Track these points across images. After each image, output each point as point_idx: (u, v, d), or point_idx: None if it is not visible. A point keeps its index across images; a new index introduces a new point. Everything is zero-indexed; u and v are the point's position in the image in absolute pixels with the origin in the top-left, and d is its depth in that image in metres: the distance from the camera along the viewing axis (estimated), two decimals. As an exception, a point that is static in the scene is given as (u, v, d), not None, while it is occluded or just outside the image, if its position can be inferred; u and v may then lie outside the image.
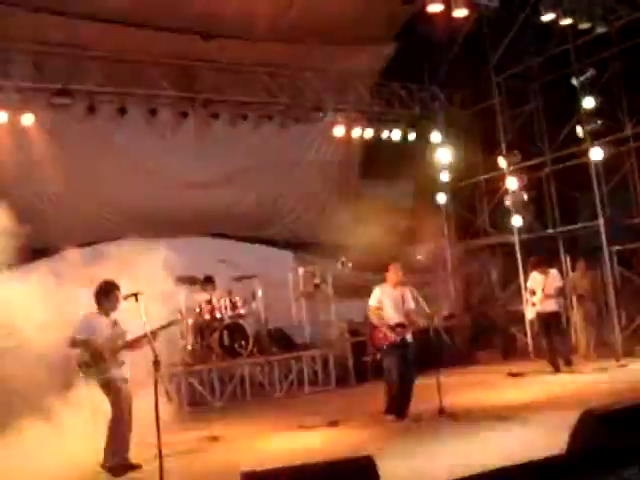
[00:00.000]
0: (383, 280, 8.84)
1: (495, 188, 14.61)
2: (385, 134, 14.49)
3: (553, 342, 11.36)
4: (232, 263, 12.39)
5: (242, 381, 11.95)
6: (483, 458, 5.87)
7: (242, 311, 12.30)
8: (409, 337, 8.58)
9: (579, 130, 12.82)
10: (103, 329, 7.10)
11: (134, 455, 7.11)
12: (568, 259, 13.34)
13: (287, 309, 13.55)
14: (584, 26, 12.28)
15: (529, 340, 13.78)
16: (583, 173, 12.87)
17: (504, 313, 14.65)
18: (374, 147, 14.77)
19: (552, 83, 13.63)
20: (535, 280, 11.65)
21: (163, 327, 7.18)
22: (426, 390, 8.43)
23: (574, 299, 12.57)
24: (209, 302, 12.14)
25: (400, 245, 13.17)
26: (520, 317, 13.70)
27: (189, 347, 11.92)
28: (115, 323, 7.22)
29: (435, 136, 15.09)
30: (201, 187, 13.35)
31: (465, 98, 15.07)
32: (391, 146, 14.59)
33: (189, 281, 12.03)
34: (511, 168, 14.07)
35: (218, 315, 12.09)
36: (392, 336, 8.45)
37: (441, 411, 8.13)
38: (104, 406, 7.09)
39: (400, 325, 8.51)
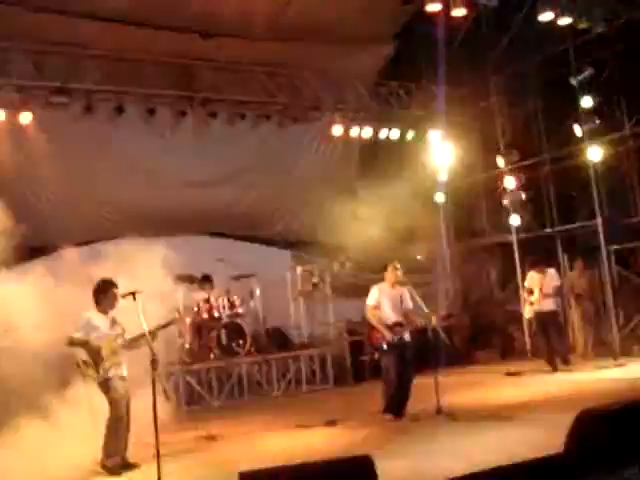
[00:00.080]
0: (381, 280, 8.84)
1: (493, 188, 14.61)
2: (384, 133, 14.48)
3: (551, 341, 11.37)
4: (230, 262, 12.38)
5: (240, 380, 11.96)
6: (481, 457, 5.87)
7: (240, 310, 12.30)
8: (407, 336, 8.59)
9: (577, 129, 12.82)
10: (102, 328, 7.10)
11: (132, 454, 7.11)
12: (566, 258, 13.35)
13: (285, 308, 13.57)
14: (583, 25, 12.28)
15: (527, 339, 13.79)
16: (581, 172, 12.89)
17: (502, 313, 14.66)
18: (372, 147, 14.77)
19: (551, 83, 13.62)
20: (533, 279, 11.66)
21: (162, 327, 7.18)
22: (424, 389, 8.44)
23: (572, 298, 12.57)
24: (207, 301, 12.14)
25: (398, 245, 13.16)
26: (518, 316, 13.71)
27: (187, 346, 11.93)
28: (114, 322, 7.23)
29: (434, 136, 15.08)
30: (199, 186, 13.34)
31: (464, 97, 15.06)
32: (390, 146, 14.59)
33: (187, 280, 12.03)
34: (509, 167, 14.08)
35: (216, 314, 12.10)
36: (390, 335, 8.45)
37: (439, 410, 8.13)
38: (102, 405, 7.08)
39: (398, 324, 8.51)
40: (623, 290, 12.81)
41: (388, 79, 14.53)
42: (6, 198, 8.27)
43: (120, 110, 11.75)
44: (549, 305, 11.44)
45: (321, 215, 13.70)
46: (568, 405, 6.78)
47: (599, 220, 12.56)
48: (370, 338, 8.80)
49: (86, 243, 11.13)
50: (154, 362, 6.15)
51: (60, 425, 7.42)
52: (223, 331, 11.97)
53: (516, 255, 14.10)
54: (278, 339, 13.17)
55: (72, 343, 7.08)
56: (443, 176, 15.19)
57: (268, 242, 14.75)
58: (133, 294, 6.75)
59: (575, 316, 12.58)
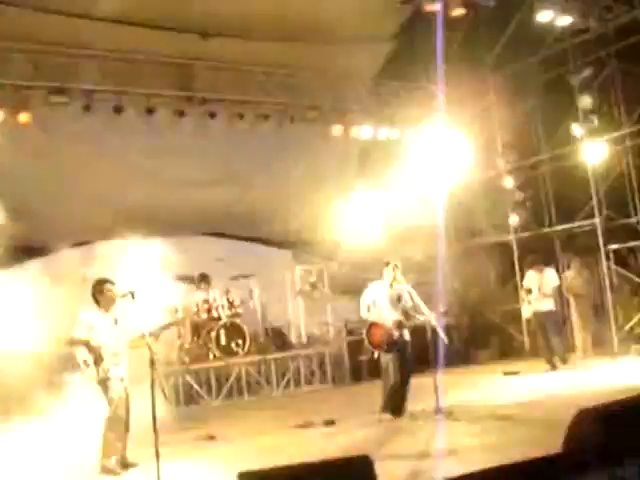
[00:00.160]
0: (380, 279, 8.84)
1: (492, 187, 14.61)
2: (383, 133, 14.47)
3: (550, 341, 11.38)
4: (229, 262, 12.40)
5: (239, 380, 11.96)
6: (479, 457, 5.88)
7: (239, 310, 12.32)
8: (406, 335, 8.59)
9: (576, 129, 12.83)
10: (103, 327, 7.09)
11: (131, 454, 7.10)
12: (565, 258, 13.36)
13: (284, 308, 13.57)
14: (581, 25, 12.29)
15: (526, 339, 13.80)
16: (580, 172, 12.89)
17: (501, 312, 14.67)
18: (372, 146, 14.76)
19: (550, 82, 13.64)
20: (531, 279, 11.67)
21: (163, 328, 7.17)
22: (423, 389, 8.45)
23: (570, 298, 12.58)
24: (206, 301, 12.15)
25: (397, 244, 13.16)
26: (517, 316, 13.71)
27: (186, 346, 11.93)
28: (115, 321, 7.21)
29: (432, 135, 15.05)
30: (198, 186, 13.33)
31: (463, 97, 15.05)
32: (389, 145, 14.58)
33: (186, 280, 12.03)
34: (508, 167, 14.07)
35: (215, 314, 12.11)
36: (388, 334, 8.46)
37: (438, 410, 8.13)
38: (101, 405, 7.08)
39: (397, 323, 8.51)
40: (621, 290, 12.83)
41: (387, 79, 14.52)
42: (4, 198, 8.28)
43: (119, 110, 11.73)
44: (548, 305, 11.45)
45: (320, 215, 13.69)
46: (566, 405, 6.79)
47: (598, 219, 12.57)
48: (369, 337, 8.80)
49: (85, 243, 11.13)
50: (153, 362, 6.14)
51: (59, 425, 7.43)
52: (222, 331, 11.97)
53: (515, 255, 14.11)
54: (277, 339, 13.18)
55: (73, 343, 7.08)
56: (442, 176, 15.17)
57: (267, 242, 14.76)
58: (132, 294, 6.75)
59: (574, 316, 12.59)
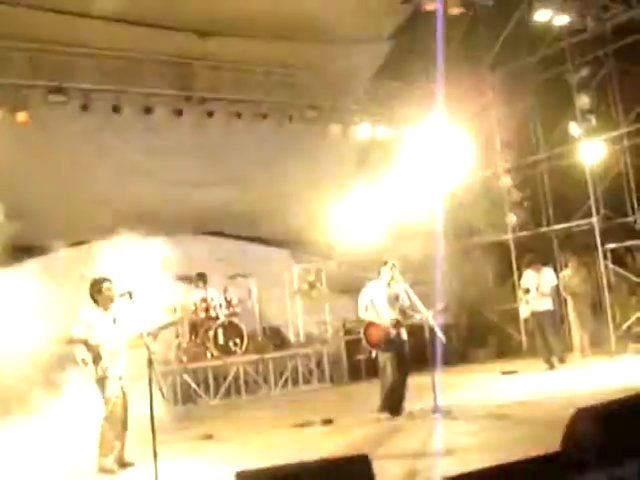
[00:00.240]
0: (378, 278, 8.84)
1: (490, 186, 14.62)
2: (381, 132, 14.48)
3: (547, 340, 11.39)
4: (228, 261, 12.40)
5: (237, 379, 11.97)
6: (478, 456, 5.89)
7: (237, 309, 12.32)
8: (404, 334, 8.60)
9: (574, 128, 12.84)
10: (101, 326, 7.08)
11: (129, 453, 7.11)
12: (562, 257, 13.37)
13: (282, 307, 13.57)
14: (579, 25, 12.30)
15: (524, 338, 13.81)
16: (578, 171, 12.90)
17: (499, 312, 14.68)
18: (370, 145, 14.76)
19: (547, 81, 13.65)
20: (529, 278, 11.68)
21: (162, 328, 7.16)
22: (421, 388, 8.45)
23: (568, 297, 12.59)
24: (204, 300, 12.16)
25: (395, 243, 13.16)
26: (515, 315, 13.72)
27: (184, 345, 11.93)
28: (114, 320, 7.20)
29: (430, 134, 15.05)
30: (197, 185, 13.32)
31: (461, 96, 15.05)
32: (387, 144, 14.58)
33: (185, 279, 12.03)
34: (506, 166, 14.07)
35: (213, 313, 12.12)
36: (386, 334, 8.46)
37: (436, 409, 8.13)
38: (100, 404, 7.08)
39: (395, 322, 8.52)
40: (619, 289, 12.84)
41: (386, 78, 14.52)
42: (2, 197, 8.27)
43: (117, 109, 11.74)
44: (545, 304, 11.46)
45: (319, 214, 13.69)
46: (565, 404, 6.80)
47: (595, 219, 12.58)
48: (367, 336, 8.80)
49: (83, 242, 11.12)
50: (151, 361, 6.14)
51: (56, 424, 7.43)
52: (220, 330, 11.98)
53: (513, 254, 14.11)
54: (275, 338, 13.18)
55: (71, 341, 7.08)
56: (440, 175, 15.17)
57: (265, 241, 14.75)
58: (130, 294, 6.75)
59: (571, 315, 12.60)
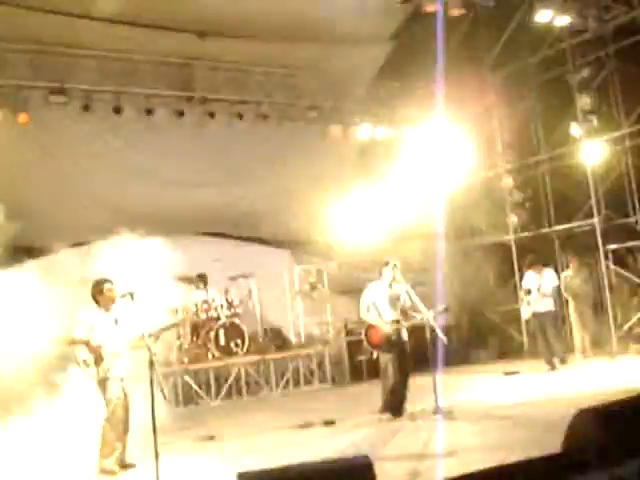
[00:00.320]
0: (379, 279, 8.83)
1: (491, 187, 14.61)
2: (381, 133, 14.47)
3: (549, 341, 11.38)
4: (229, 262, 12.39)
5: (238, 380, 11.97)
6: (479, 457, 5.88)
7: (238, 310, 12.31)
8: (405, 335, 8.59)
9: (575, 129, 12.84)
10: (103, 327, 7.08)
11: (130, 454, 7.10)
12: (564, 258, 13.36)
13: (283, 308, 13.57)
14: (580, 25, 12.30)
15: (525, 339, 13.80)
16: (579, 172, 12.90)
17: (500, 312, 14.67)
18: (370, 146, 14.76)
19: (548, 82, 13.65)
20: (531, 279, 11.67)
21: (163, 329, 7.15)
22: (422, 389, 8.44)
23: (569, 298, 12.59)
24: (205, 301, 12.15)
25: (396, 244, 13.16)
26: (516, 316, 13.71)
27: (185, 346, 11.93)
28: (116, 321, 7.20)
29: (431, 135, 15.05)
30: (197, 186, 13.32)
31: (462, 97, 15.04)
32: (387, 145, 14.58)
33: (185, 280, 12.02)
34: (507, 167, 14.06)
35: (214, 314, 12.11)
36: (387, 335, 8.46)
37: (437, 410, 8.13)
38: (101, 405, 7.08)
39: (396, 322, 8.51)
40: (620, 289, 12.84)
41: (386, 79, 14.52)
42: (2, 198, 8.27)
43: (118, 110, 11.74)
44: (547, 305, 11.45)
45: (319, 215, 13.69)
46: (566, 404, 6.80)
47: (597, 219, 12.57)
48: (368, 337, 8.80)
49: (83, 243, 11.11)
50: (152, 363, 6.13)
51: (57, 425, 7.42)
52: (221, 331, 11.97)
53: (514, 255, 14.11)
54: (276, 339, 13.17)
55: (73, 342, 7.07)
56: (441, 176, 15.16)
57: (266, 242, 14.74)
58: (131, 295, 6.74)
59: (573, 315, 12.60)
